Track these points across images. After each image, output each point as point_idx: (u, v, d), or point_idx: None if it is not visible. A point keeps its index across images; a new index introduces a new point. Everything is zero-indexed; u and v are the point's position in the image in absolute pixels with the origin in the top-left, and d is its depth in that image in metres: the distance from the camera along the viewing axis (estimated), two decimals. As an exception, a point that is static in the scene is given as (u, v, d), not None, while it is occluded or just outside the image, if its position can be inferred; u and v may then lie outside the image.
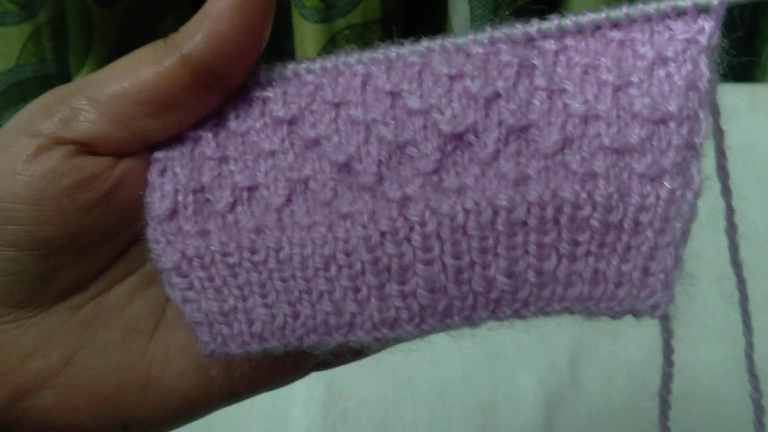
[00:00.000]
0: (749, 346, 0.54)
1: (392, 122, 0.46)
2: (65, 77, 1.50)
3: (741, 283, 0.53)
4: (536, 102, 0.46)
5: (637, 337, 0.98)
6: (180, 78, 0.45)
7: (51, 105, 0.46)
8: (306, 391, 1.01)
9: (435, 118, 0.46)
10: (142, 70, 0.45)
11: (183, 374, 0.51)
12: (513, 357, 1.00)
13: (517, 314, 0.47)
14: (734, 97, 1.20)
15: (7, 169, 0.45)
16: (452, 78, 0.46)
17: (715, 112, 0.47)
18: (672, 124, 0.44)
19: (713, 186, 0.48)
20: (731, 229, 0.51)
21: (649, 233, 0.45)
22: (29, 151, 0.45)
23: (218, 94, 0.47)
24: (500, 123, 0.46)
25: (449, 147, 0.46)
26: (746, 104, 1.20)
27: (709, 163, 0.46)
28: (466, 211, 0.46)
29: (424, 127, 0.46)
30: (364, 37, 1.35)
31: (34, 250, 0.46)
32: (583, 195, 0.45)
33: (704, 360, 0.98)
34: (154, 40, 0.46)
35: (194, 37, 0.45)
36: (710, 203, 0.47)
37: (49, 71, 1.53)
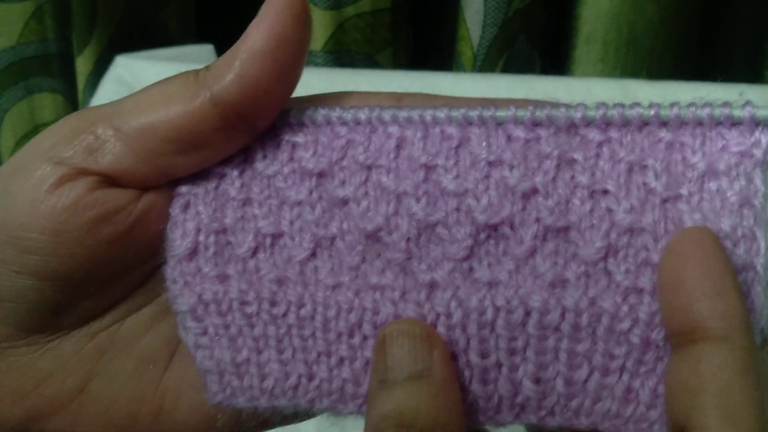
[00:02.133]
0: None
1: (424, 198, 0.45)
2: (67, 56, 1.49)
3: None
4: (576, 201, 0.44)
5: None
6: (209, 119, 0.44)
7: (76, 131, 0.45)
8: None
9: (469, 204, 0.44)
10: (171, 106, 0.44)
11: (194, 408, 0.50)
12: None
13: (542, 421, 0.45)
14: (746, 96, 1.19)
15: (28, 196, 0.44)
16: (491, 164, 0.44)
17: None
18: (727, 243, 0.41)
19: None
20: None
21: None
22: (52, 179, 0.44)
23: (247, 134, 0.46)
24: (538, 220, 0.44)
25: (482, 236, 0.44)
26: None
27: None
28: (496, 308, 0.44)
29: (457, 210, 0.44)
30: (372, 26, 1.34)
31: (54, 281, 0.45)
32: (624, 308, 0.43)
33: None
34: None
35: (225, 77, 0.43)
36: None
37: (51, 50, 1.51)
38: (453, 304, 0.44)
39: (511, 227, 0.44)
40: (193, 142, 0.45)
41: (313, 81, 1.30)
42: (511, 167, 0.44)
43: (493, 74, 1.28)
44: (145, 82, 0.47)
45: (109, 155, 0.44)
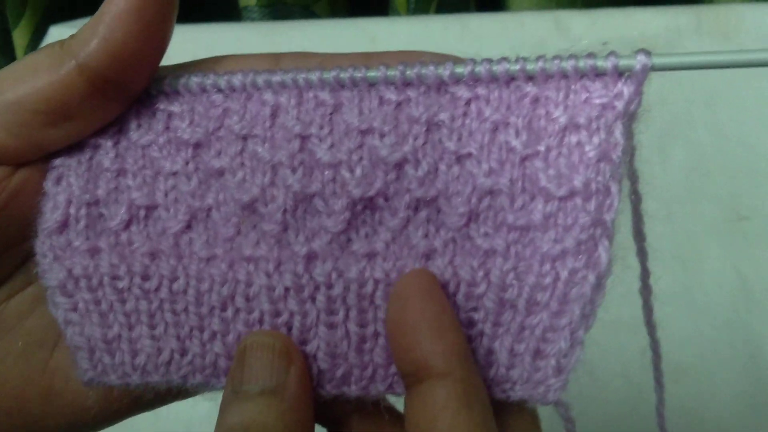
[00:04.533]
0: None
1: (300, 169, 0.44)
2: (5, 31, 1.47)
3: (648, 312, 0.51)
4: (443, 167, 0.44)
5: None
6: (76, 87, 0.42)
7: None
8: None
9: (344, 176, 0.44)
10: (38, 78, 0.43)
11: (84, 389, 0.49)
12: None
13: None
14: (680, 19, 1.20)
15: None
16: (363, 132, 0.44)
17: (633, 176, 0.44)
18: (578, 200, 0.42)
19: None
20: (646, 291, 0.49)
21: (545, 314, 0.43)
22: None
23: (119, 102, 0.45)
24: (409, 191, 0.44)
25: (359, 207, 0.44)
26: (692, 27, 1.19)
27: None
28: (376, 281, 0.44)
29: (333, 181, 0.44)
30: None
31: None
32: (480, 273, 0.44)
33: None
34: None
35: (90, 43, 0.42)
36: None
37: (-12, 26, 1.49)
38: (333, 276, 0.44)
39: (385, 199, 0.44)
40: (63, 112, 0.43)
41: (248, 36, 1.30)
42: (382, 135, 0.44)
43: (426, 16, 1.28)
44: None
45: None
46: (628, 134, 0.42)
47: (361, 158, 0.44)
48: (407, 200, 0.44)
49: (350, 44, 1.26)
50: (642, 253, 0.48)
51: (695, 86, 1.13)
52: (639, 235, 0.47)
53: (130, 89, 0.45)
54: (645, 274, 0.48)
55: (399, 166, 0.44)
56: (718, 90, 1.13)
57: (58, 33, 1.25)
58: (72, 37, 0.43)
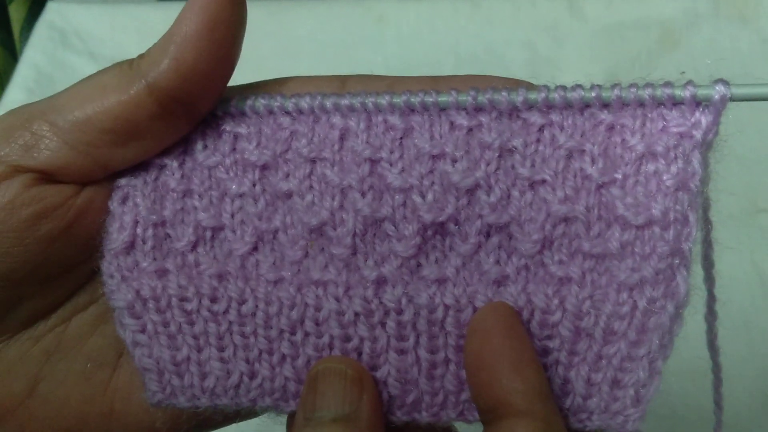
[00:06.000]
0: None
1: (369, 193, 0.44)
2: (1, 5, 1.44)
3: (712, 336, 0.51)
4: (516, 193, 0.43)
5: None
6: (145, 107, 0.42)
7: (11, 129, 0.43)
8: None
9: (415, 201, 0.44)
10: (107, 97, 0.42)
11: (146, 410, 0.48)
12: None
13: None
14: (698, 2, 1.17)
15: None
16: (434, 157, 0.44)
17: (705, 203, 0.44)
18: (656, 229, 0.42)
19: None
20: (711, 316, 0.49)
21: (622, 343, 0.43)
22: None
23: (186, 122, 0.45)
24: (480, 217, 0.43)
25: (429, 232, 0.44)
26: (710, 10, 1.16)
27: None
28: (446, 307, 0.44)
29: (404, 205, 0.44)
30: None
31: None
32: (555, 301, 0.43)
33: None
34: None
35: (160, 63, 0.42)
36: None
37: (-17, -2, 1.46)
38: (404, 301, 0.44)
39: (456, 223, 0.44)
40: (131, 131, 0.43)
41: (255, 14, 1.26)
42: (454, 160, 0.44)
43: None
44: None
45: (45, 151, 0.43)
46: (705, 163, 0.42)
47: (432, 183, 0.44)
48: (479, 226, 0.44)
49: (357, 24, 1.23)
50: (710, 280, 0.47)
51: (711, 73, 1.10)
52: (708, 262, 0.47)
53: (197, 110, 0.44)
54: (711, 301, 0.48)
55: (471, 191, 0.44)
56: (736, 77, 1.11)
57: (57, 8, 1.21)
58: (141, 56, 0.43)
